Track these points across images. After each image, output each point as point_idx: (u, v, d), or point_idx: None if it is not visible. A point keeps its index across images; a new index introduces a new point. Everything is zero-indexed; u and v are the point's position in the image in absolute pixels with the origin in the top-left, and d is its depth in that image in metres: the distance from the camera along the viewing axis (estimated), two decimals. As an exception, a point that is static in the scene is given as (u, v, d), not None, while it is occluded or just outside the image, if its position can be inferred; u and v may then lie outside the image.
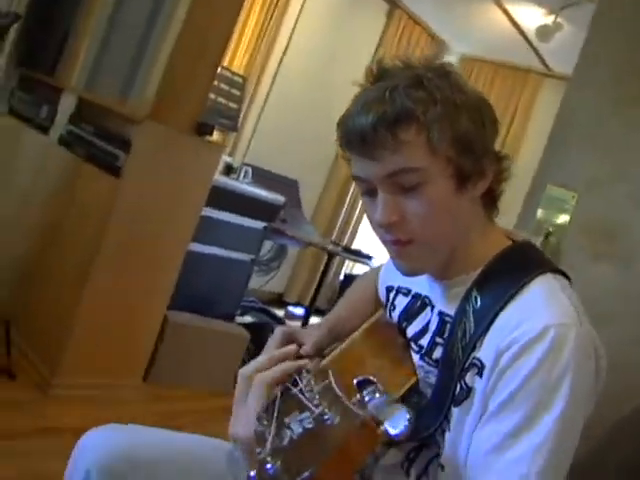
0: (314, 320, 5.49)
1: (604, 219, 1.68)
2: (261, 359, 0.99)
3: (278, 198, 3.94)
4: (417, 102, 0.95)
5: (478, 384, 0.94)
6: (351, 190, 5.75)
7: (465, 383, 0.96)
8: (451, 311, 1.05)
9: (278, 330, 1.29)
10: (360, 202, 5.83)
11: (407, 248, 1.02)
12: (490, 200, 1.07)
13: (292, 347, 1.07)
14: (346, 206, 5.84)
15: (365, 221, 5.96)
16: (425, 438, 1.02)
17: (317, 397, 0.61)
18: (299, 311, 5.72)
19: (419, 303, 1.17)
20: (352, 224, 5.97)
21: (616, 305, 1.57)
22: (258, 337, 3.79)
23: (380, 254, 5.02)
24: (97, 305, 2.74)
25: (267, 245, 4.87)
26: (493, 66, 5.69)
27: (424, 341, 1.10)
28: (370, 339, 1.11)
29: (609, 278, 1.61)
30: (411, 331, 1.15)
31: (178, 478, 1.19)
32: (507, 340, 0.90)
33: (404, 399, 1.07)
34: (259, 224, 3.88)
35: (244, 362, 3.57)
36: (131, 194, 2.70)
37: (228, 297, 3.90)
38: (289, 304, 5.82)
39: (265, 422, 0.64)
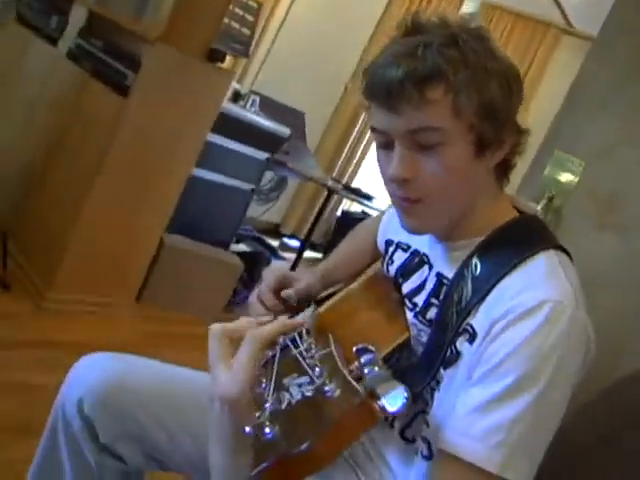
0: (308, 254, 5.53)
1: (611, 188, 1.67)
2: (232, 324, 0.87)
3: (284, 130, 3.91)
4: (449, 62, 0.93)
5: (467, 350, 0.95)
6: (357, 127, 5.70)
7: (455, 347, 0.97)
8: (449, 274, 1.06)
9: (273, 273, 1.32)
10: (365, 140, 5.79)
11: (416, 207, 1.02)
12: (503, 170, 1.07)
13: (266, 319, 1.01)
14: (350, 142, 5.78)
15: (368, 160, 5.93)
16: (413, 395, 1.05)
17: (318, 364, 0.61)
18: (294, 243, 5.75)
19: (417, 260, 1.17)
20: (355, 161, 5.93)
21: (619, 276, 1.58)
22: (252, 267, 3.83)
23: (380, 195, 5.03)
24: (95, 222, 2.75)
25: (268, 175, 4.85)
26: (513, 15, 5.55)
27: (419, 299, 1.11)
28: (367, 291, 1.12)
29: (613, 248, 1.61)
30: (407, 288, 1.16)
31: (174, 415, 1.21)
32: (502, 310, 0.91)
33: (394, 353, 1.09)
34: (262, 154, 3.86)
35: (236, 291, 3.62)
36: (137, 115, 2.67)
37: (225, 225, 3.91)
38: (284, 235, 5.84)
39: (263, 380, 0.64)
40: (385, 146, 1.03)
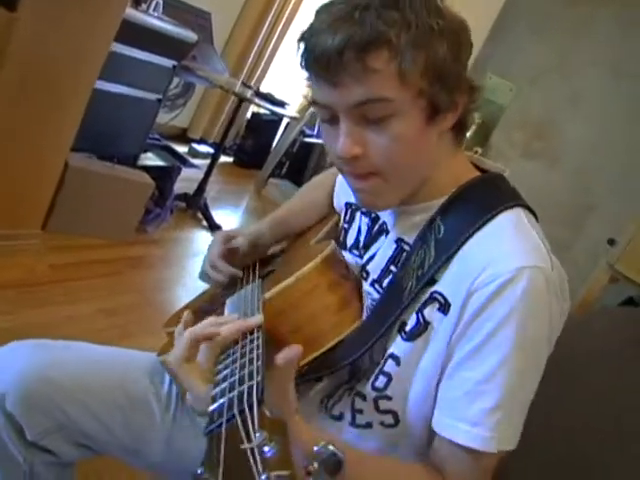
0: (224, 159, 5.40)
1: (540, 116, 1.65)
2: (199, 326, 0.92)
3: (190, 35, 3.69)
4: (390, 25, 0.85)
5: (440, 322, 0.91)
6: (265, 26, 5.43)
7: (423, 317, 0.93)
8: (410, 239, 1.01)
9: (216, 239, 1.31)
10: (274, 40, 5.56)
11: (368, 182, 0.96)
12: (458, 130, 1.01)
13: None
14: (259, 42, 5.52)
15: (276, 60, 5.72)
16: (353, 362, 1.00)
17: None
18: (203, 148, 5.56)
19: (377, 228, 1.12)
20: (263, 62, 5.70)
21: (542, 205, 1.57)
22: (162, 182, 3.68)
23: (292, 100, 4.88)
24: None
25: (174, 81, 4.60)
26: None
27: (374, 267, 1.07)
28: (320, 274, 1.04)
29: (538, 176, 1.61)
30: (365, 259, 1.12)
31: (104, 401, 1.15)
32: (478, 280, 0.87)
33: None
34: (168, 62, 3.66)
35: (147, 210, 3.48)
36: (30, 30, 2.38)
37: (132, 138, 3.74)
38: (193, 140, 5.63)
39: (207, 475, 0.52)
40: (330, 121, 0.95)
